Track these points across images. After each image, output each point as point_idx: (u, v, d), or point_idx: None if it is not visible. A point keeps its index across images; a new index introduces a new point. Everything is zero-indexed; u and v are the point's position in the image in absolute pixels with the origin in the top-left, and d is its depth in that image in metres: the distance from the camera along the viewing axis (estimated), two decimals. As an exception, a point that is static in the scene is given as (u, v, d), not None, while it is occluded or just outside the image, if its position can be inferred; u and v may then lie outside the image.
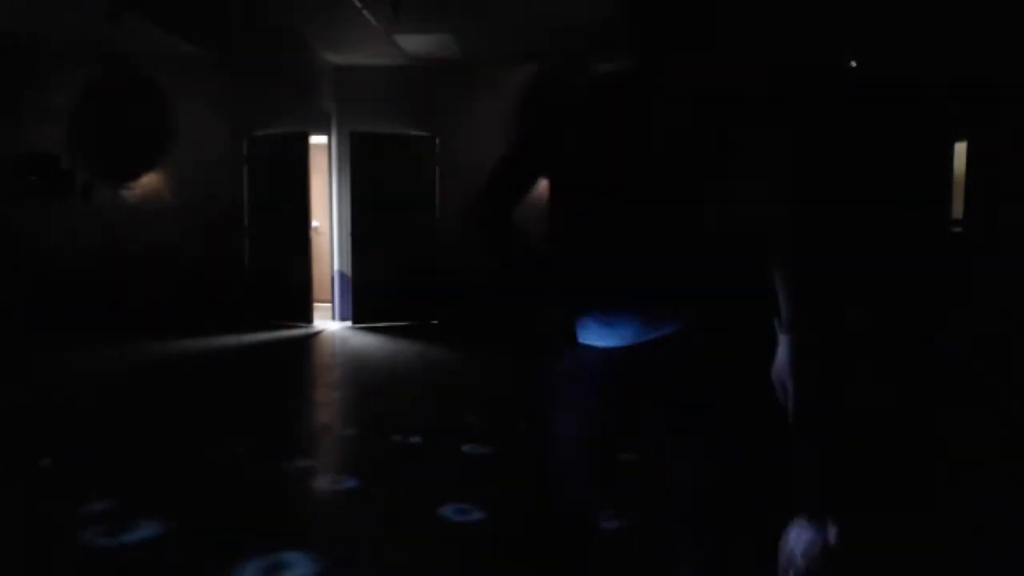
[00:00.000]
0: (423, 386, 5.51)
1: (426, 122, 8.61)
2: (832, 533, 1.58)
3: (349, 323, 8.53)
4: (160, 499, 3.12)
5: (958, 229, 7.21)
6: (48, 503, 3.10)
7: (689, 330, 1.49)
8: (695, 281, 1.52)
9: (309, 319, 8.38)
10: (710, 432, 1.50)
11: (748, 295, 1.63)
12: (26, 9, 6.67)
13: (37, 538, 2.79)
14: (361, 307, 8.50)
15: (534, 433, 1.64)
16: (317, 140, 8.61)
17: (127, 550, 2.65)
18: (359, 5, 6.36)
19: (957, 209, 7.26)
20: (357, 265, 8.50)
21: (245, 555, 2.56)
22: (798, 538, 1.62)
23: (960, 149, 7.24)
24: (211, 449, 3.86)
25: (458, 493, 3.19)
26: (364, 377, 5.92)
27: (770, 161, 1.46)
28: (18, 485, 3.35)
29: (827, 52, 7.45)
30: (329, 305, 8.96)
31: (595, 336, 1.52)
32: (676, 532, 1.57)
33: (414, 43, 7.61)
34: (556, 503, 1.60)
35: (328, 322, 8.60)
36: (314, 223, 8.65)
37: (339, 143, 8.64)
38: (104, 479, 3.36)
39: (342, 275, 8.69)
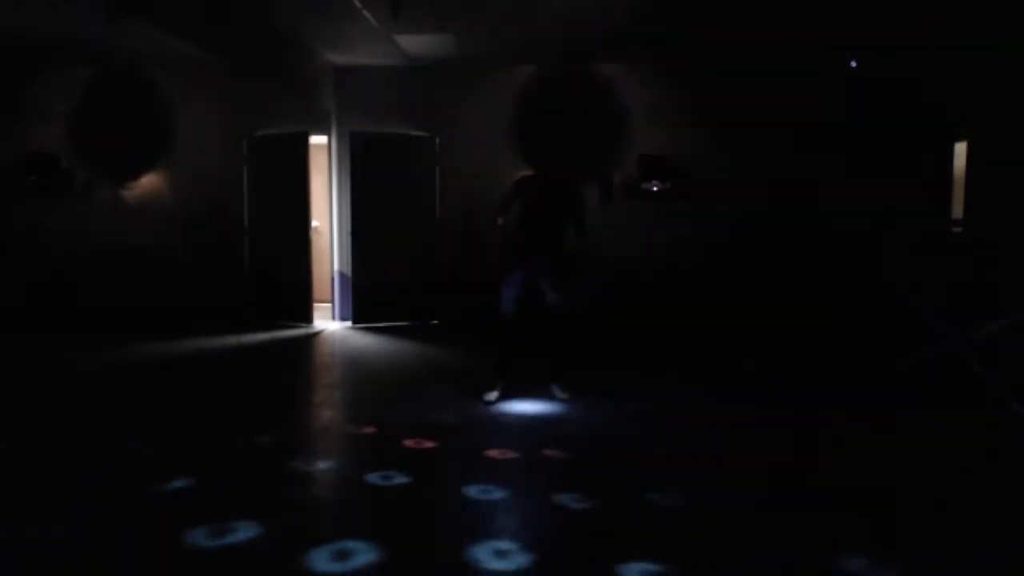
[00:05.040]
0: (422, 386, 5.50)
1: (426, 122, 8.62)
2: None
3: (349, 323, 8.53)
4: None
5: (958, 229, 7.22)
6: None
7: (551, 257, 4.92)
8: (557, 242, 4.92)
9: (309, 319, 8.38)
10: (553, 286, 4.91)
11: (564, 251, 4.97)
12: (26, 10, 6.66)
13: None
14: (361, 307, 8.50)
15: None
16: (317, 140, 8.62)
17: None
18: (359, 5, 6.37)
19: (957, 209, 7.27)
20: (357, 265, 8.51)
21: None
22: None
23: (960, 149, 7.25)
24: (214, 447, 3.87)
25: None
26: (364, 377, 5.92)
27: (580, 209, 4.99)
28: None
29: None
30: (329, 305, 8.96)
31: (523, 257, 4.90)
32: (545, 330, 5.07)
33: (414, 43, 7.61)
34: (503, 313, 4.92)
35: (328, 322, 8.61)
36: (314, 223, 8.65)
37: (339, 143, 8.64)
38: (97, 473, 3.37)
39: (342, 275, 8.69)
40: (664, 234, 8.36)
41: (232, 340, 7.31)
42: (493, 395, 4.93)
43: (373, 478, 3.41)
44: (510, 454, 3.81)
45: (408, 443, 3.97)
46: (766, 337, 7.51)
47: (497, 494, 3.22)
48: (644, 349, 7.17)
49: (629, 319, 8.23)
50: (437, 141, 8.63)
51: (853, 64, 7.58)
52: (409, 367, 6.19)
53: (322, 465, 3.68)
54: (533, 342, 5.19)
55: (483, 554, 2.61)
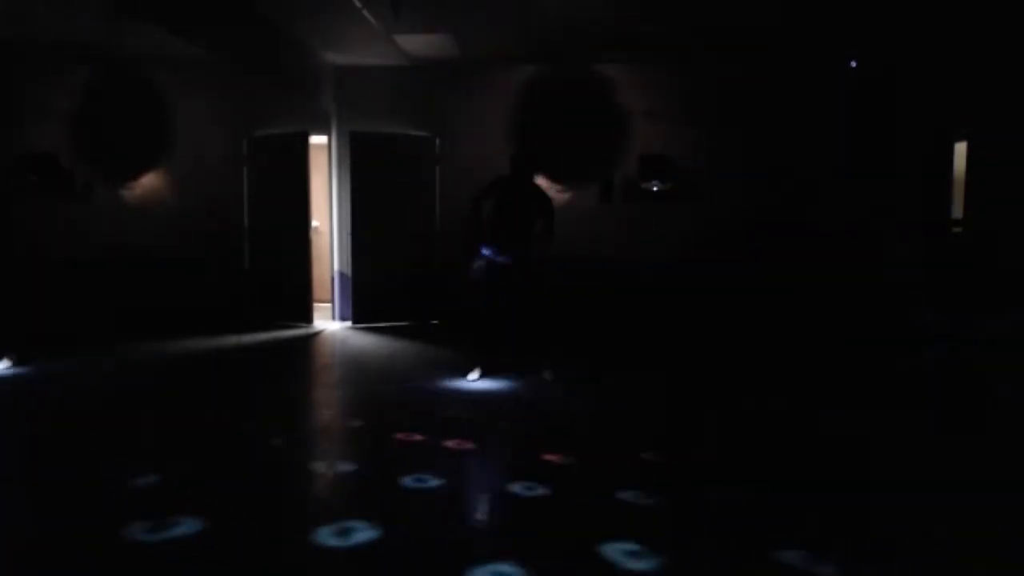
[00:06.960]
0: (421, 383, 5.51)
1: (426, 122, 8.62)
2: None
3: (349, 323, 8.53)
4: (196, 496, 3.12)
5: (958, 229, 7.21)
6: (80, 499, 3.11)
7: (520, 253, 5.47)
8: (524, 238, 5.47)
9: (309, 319, 8.38)
10: (523, 280, 5.51)
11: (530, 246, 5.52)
12: (27, 10, 6.66)
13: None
14: (361, 307, 8.51)
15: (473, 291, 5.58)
16: (317, 140, 8.62)
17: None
18: (359, 5, 6.37)
19: (957, 209, 7.26)
20: (357, 265, 8.51)
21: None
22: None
23: (960, 149, 7.24)
24: (222, 445, 3.87)
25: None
26: (364, 378, 5.92)
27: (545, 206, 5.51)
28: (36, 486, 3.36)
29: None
30: (329, 305, 8.96)
31: (494, 254, 5.43)
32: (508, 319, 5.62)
33: (414, 43, 7.61)
34: (485, 306, 5.63)
35: (328, 322, 8.61)
36: (314, 223, 8.65)
37: (339, 143, 8.64)
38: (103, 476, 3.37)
39: (342, 275, 8.69)
40: (663, 234, 8.35)
41: (232, 340, 7.30)
42: (475, 374, 5.50)
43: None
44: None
45: (399, 436, 3.98)
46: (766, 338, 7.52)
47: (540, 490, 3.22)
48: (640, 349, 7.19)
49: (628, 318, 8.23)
50: (437, 141, 8.63)
51: (853, 64, 7.58)
52: (409, 366, 6.19)
53: (323, 462, 3.68)
54: (514, 327, 5.70)
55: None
